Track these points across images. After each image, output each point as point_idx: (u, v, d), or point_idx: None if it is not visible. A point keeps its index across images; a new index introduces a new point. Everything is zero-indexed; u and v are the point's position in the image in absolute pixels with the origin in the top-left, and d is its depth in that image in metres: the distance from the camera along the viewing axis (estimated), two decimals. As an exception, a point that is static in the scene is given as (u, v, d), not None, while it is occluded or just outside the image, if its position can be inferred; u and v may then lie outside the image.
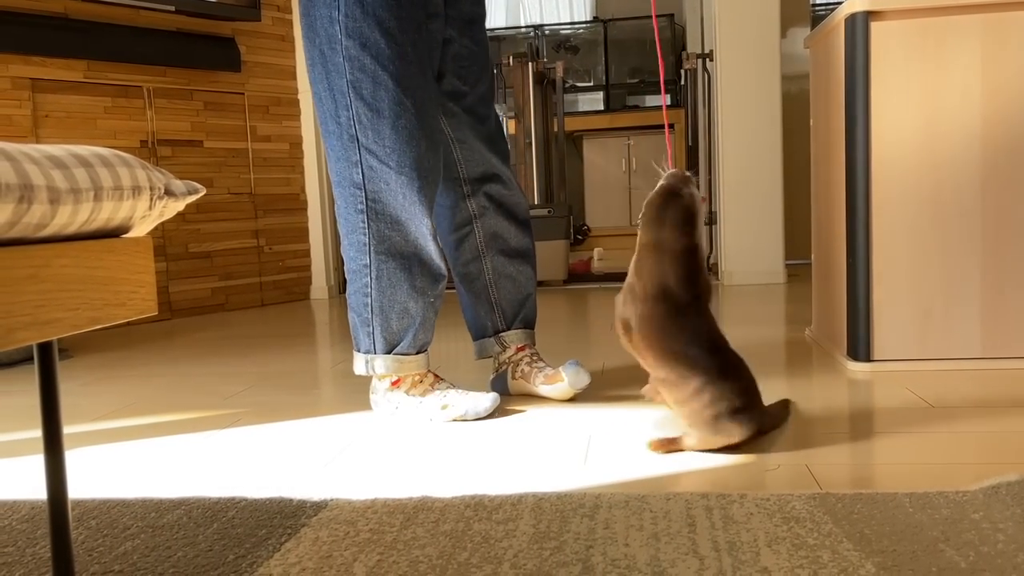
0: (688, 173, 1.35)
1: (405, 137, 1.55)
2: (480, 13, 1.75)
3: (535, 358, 1.80)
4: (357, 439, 1.53)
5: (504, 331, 1.81)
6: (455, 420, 1.61)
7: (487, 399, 1.62)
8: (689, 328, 1.30)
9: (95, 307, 0.76)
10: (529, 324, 1.84)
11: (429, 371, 1.70)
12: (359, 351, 1.67)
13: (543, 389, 1.74)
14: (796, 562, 0.91)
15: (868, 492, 1.11)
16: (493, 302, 1.80)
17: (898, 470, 1.24)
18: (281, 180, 3.83)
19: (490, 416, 1.62)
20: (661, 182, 1.34)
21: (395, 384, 1.67)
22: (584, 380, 1.70)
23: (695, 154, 4.04)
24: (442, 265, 1.66)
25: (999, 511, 1.02)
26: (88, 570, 0.98)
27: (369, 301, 1.62)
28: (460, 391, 1.65)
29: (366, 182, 1.57)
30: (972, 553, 0.92)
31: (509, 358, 1.82)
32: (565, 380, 1.70)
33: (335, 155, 1.60)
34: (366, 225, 1.59)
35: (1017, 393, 1.63)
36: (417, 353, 1.66)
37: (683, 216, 1.31)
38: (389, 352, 1.64)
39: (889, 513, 1.04)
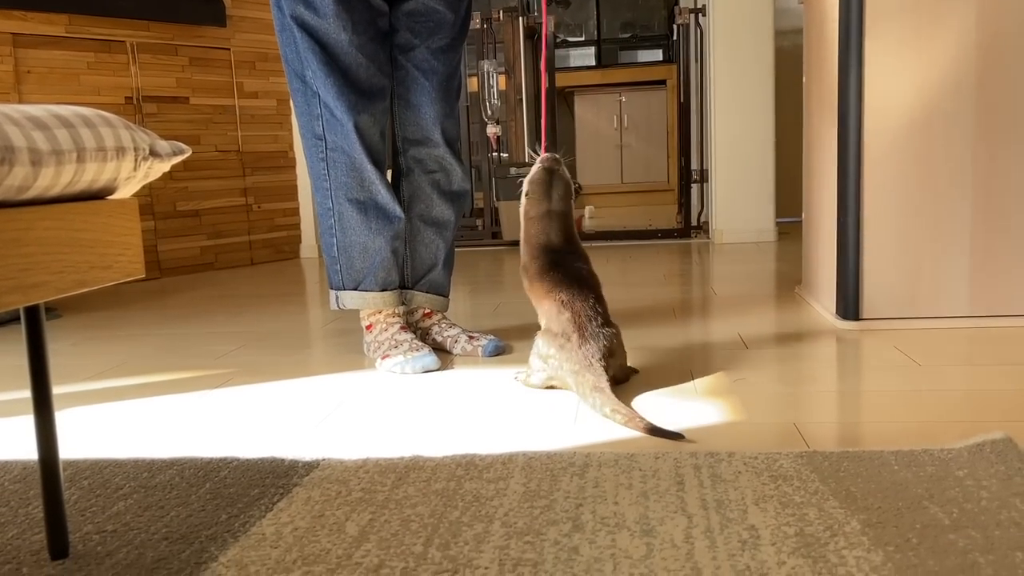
0: (559, 156, 1.61)
1: (345, 96, 1.68)
2: None
3: (444, 325, 1.90)
4: (348, 399, 1.54)
5: (408, 288, 1.90)
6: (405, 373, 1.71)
7: (428, 360, 1.71)
8: (564, 274, 1.54)
9: (81, 270, 0.75)
10: (436, 291, 1.92)
11: (399, 319, 1.82)
12: (331, 287, 1.82)
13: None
14: (783, 520, 0.93)
15: (855, 450, 1.13)
16: (406, 257, 1.89)
17: (885, 428, 1.25)
18: (269, 137, 3.79)
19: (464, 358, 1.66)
20: (538, 164, 1.60)
21: (368, 328, 1.82)
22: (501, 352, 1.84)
23: (687, 111, 4.00)
24: (395, 208, 1.77)
25: (983, 468, 1.04)
26: (81, 530, 0.99)
27: (335, 241, 1.77)
28: (406, 353, 1.72)
29: (326, 133, 1.71)
30: (956, 510, 0.93)
31: (417, 323, 1.92)
32: (480, 356, 1.81)
33: (300, 110, 1.74)
34: (327, 172, 1.73)
35: (1004, 351, 1.65)
36: (382, 290, 1.79)
37: (565, 189, 1.60)
38: (355, 288, 1.78)
39: (875, 471, 1.05)
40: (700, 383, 1.53)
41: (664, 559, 0.85)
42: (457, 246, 3.96)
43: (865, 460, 1.09)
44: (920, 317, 1.89)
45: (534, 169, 1.60)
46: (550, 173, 1.60)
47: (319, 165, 1.74)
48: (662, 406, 1.39)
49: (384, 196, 1.74)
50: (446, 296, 1.93)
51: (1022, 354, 1.62)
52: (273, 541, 0.94)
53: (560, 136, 5.68)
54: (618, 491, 1.03)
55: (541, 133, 1.74)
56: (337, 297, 1.80)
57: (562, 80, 6.01)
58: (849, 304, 1.91)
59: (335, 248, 1.77)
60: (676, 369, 1.63)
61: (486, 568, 0.85)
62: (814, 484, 1.02)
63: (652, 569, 0.83)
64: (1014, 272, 1.85)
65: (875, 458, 1.09)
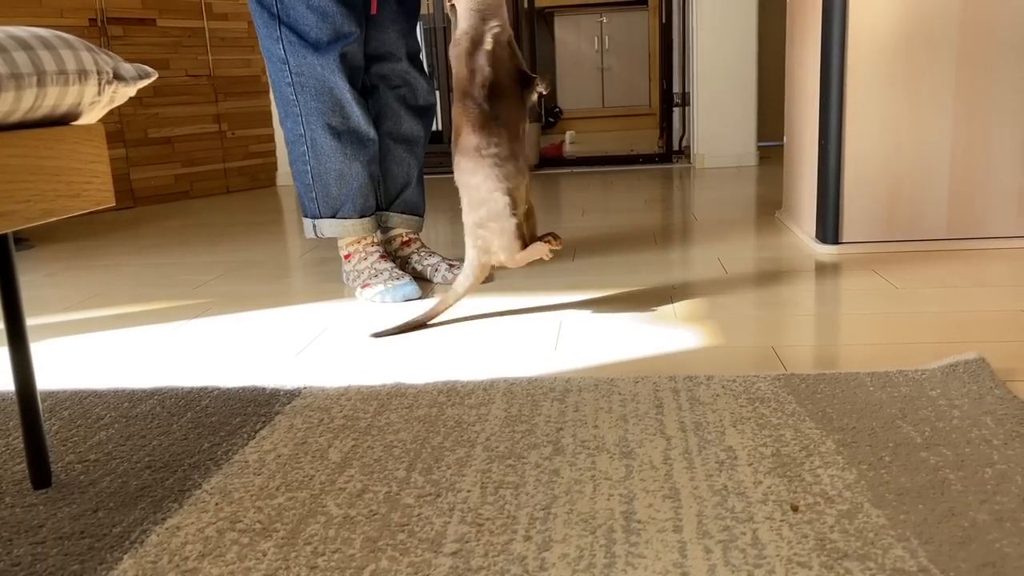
0: None
1: (319, 14, 1.62)
2: None
3: (424, 254, 1.88)
4: (329, 328, 1.54)
5: (383, 209, 1.88)
6: (385, 303, 1.70)
7: (408, 289, 1.70)
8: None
9: (48, 199, 0.73)
10: (411, 211, 1.90)
11: (378, 248, 1.79)
12: (306, 216, 1.79)
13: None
14: (760, 441, 0.94)
15: (831, 372, 1.14)
16: (379, 177, 1.85)
17: (861, 350, 1.27)
18: (241, 61, 3.68)
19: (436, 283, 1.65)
20: None
21: (347, 258, 1.80)
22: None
23: (669, 32, 3.93)
24: (369, 130, 1.73)
25: (956, 388, 1.06)
26: (63, 459, 0.99)
27: (308, 169, 1.73)
28: (387, 282, 1.71)
29: (288, 56, 1.66)
30: (928, 429, 0.95)
31: (396, 252, 1.89)
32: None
33: (262, 33, 1.69)
34: (296, 97, 1.68)
35: (980, 273, 1.66)
36: (360, 216, 1.76)
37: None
38: (333, 216, 1.75)
39: (851, 392, 1.07)
40: (679, 307, 1.53)
41: (643, 480, 0.86)
42: (436, 173, 3.91)
43: (841, 382, 1.10)
44: (898, 240, 1.90)
45: None
46: None
47: (287, 90, 1.68)
48: (641, 330, 1.40)
49: (357, 117, 1.70)
50: (421, 216, 1.91)
51: (997, 276, 1.64)
52: (256, 468, 0.95)
53: (540, 58, 5.56)
54: (598, 415, 1.04)
55: None
56: (315, 225, 1.77)
57: (541, 0, 5.86)
58: (829, 228, 1.91)
59: (309, 176, 1.73)
60: (655, 294, 1.64)
61: (468, 491, 0.86)
62: (791, 406, 1.03)
63: (631, 490, 0.84)
64: (992, 194, 1.85)
65: (851, 380, 1.11)
